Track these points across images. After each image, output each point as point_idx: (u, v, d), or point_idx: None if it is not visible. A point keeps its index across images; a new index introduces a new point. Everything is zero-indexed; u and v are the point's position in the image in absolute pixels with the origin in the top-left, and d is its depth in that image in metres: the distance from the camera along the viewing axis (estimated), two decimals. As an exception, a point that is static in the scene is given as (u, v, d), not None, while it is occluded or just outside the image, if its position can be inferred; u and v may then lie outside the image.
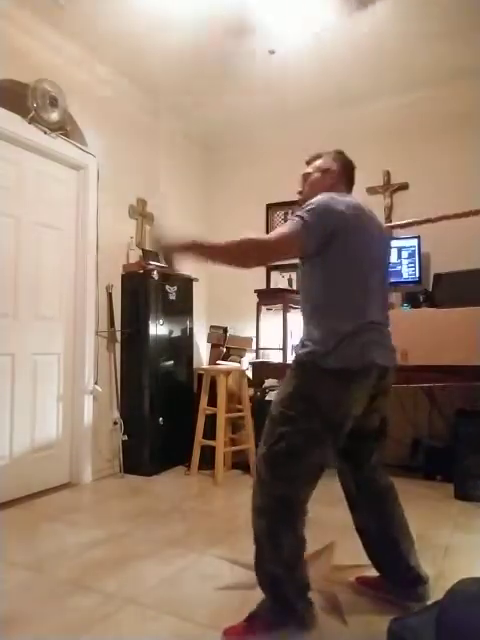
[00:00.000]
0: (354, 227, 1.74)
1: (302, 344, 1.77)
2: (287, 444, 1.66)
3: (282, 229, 1.70)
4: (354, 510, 2.00)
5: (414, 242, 3.88)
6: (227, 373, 3.81)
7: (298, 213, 1.71)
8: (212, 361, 4.24)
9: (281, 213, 4.70)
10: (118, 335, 3.89)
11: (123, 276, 3.96)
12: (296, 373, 1.74)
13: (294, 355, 1.82)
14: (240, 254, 1.72)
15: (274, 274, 4.72)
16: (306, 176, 2.03)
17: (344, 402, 1.68)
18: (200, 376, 4.08)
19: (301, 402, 1.68)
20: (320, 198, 1.73)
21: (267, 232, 4.77)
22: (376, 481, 1.96)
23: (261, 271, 4.72)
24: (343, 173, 1.98)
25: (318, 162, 2.00)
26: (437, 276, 3.74)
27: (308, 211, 1.69)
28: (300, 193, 2.05)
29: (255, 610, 1.72)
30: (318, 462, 1.71)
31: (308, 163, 2.05)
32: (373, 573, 2.01)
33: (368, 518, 1.95)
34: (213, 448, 3.69)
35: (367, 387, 1.71)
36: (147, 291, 3.86)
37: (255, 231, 1.80)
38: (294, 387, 1.71)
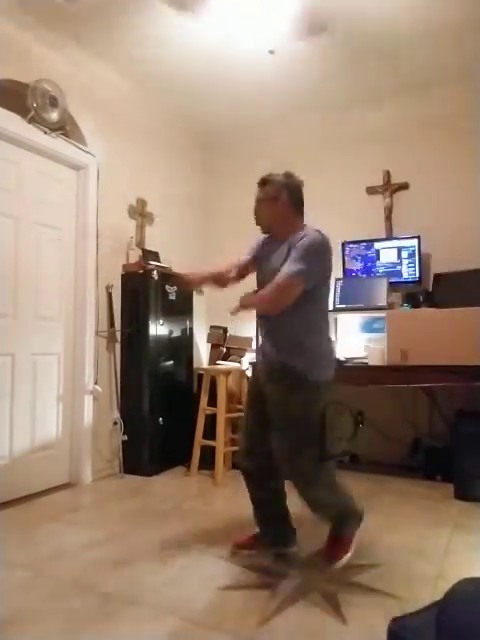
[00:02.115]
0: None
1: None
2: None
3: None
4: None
5: (414, 242, 3.88)
6: (227, 373, 3.81)
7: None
8: (212, 361, 4.24)
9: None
10: (118, 335, 3.89)
11: (123, 276, 3.95)
12: None
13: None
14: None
15: (274, 274, 4.71)
16: (259, 202, 2.25)
17: None
18: (200, 376, 4.08)
19: None
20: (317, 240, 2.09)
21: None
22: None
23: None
24: (290, 200, 2.19)
25: (268, 188, 2.21)
26: (437, 276, 3.75)
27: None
28: (256, 216, 2.29)
29: (332, 532, 2.23)
30: None
31: (260, 186, 2.25)
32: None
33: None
34: (213, 448, 3.69)
35: None
36: (147, 291, 3.86)
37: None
38: None
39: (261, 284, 2.27)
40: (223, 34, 3.34)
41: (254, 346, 4.24)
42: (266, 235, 2.35)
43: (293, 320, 2.10)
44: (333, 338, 3.94)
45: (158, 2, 3.05)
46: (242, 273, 2.47)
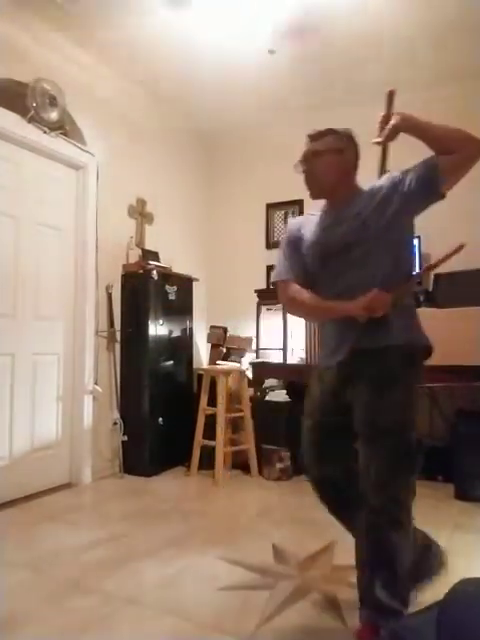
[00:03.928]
0: None
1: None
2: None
3: None
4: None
5: (414, 242, 3.87)
6: (227, 373, 3.81)
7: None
8: (212, 361, 4.23)
9: (281, 213, 4.69)
10: (118, 335, 3.89)
11: (123, 276, 3.95)
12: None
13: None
14: None
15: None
16: (315, 154, 1.78)
17: None
18: (200, 376, 4.08)
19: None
20: None
21: (267, 232, 4.78)
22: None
23: (261, 271, 4.72)
24: (356, 157, 1.82)
25: (330, 139, 1.79)
26: (437, 276, 3.74)
27: None
28: (310, 174, 1.80)
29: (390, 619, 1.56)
30: None
31: (314, 139, 1.81)
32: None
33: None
34: (213, 448, 3.69)
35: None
36: (147, 291, 3.86)
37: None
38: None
39: (333, 277, 1.76)
40: (223, 34, 3.34)
41: (254, 346, 4.24)
42: (296, 221, 1.97)
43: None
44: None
45: (157, 1, 3.05)
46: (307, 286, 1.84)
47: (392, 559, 1.62)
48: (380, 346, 1.67)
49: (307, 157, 1.81)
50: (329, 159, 1.77)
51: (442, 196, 1.73)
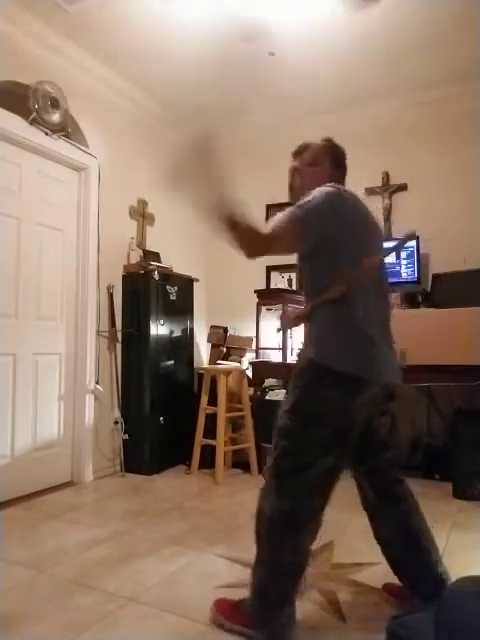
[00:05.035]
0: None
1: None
2: None
3: None
4: (374, 519, 1.90)
5: (413, 242, 3.89)
6: (227, 373, 3.83)
7: None
8: (212, 361, 4.25)
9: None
10: (119, 335, 3.91)
11: (124, 276, 3.97)
12: None
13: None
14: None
15: (274, 274, 4.74)
16: (294, 171, 1.91)
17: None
18: (200, 376, 4.10)
19: None
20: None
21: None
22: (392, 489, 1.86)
23: (261, 271, 4.74)
24: (334, 165, 1.88)
25: (306, 156, 1.88)
26: (435, 276, 3.76)
27: None
28: (291, 189, 1.91)
29: (245, 599, 1.72)
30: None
31: (295, 156, 1.93)
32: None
33: (390, 528, 1.85)
34: (213, 447, 3.71)
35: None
36: (148, 291, 3.88)
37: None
38: None
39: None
40: (224, 36, 3.36)
41: (254, 346, 4.26)
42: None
43: None
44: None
45: (158, 3, 3.06)
46: None
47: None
48: (299, 359, 1.76)
49: (290, 174, 1.94)
50: (306, 174, 1.86)
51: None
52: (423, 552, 1.78)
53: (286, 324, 1.81)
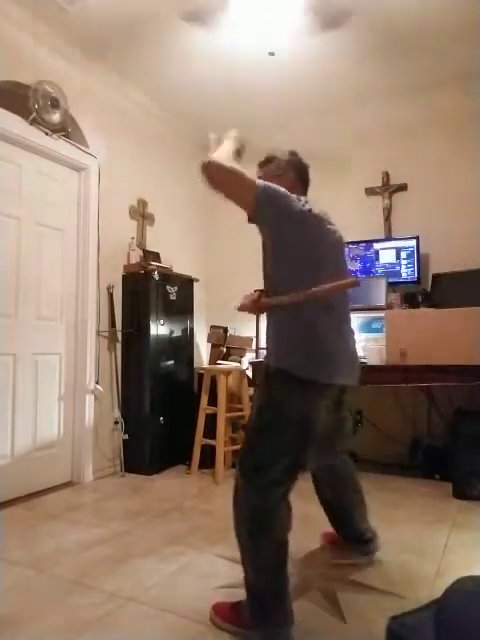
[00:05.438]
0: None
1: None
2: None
3: None
4: (317, 487, 2.28)
5: (413, 243, 3.90)
6: (227, 373, 3.83)
7: None
8: (212, 361, 4.25)
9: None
10: (119, 335, 3.91)
11: (124, 276, 3.98)
12: None
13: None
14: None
15: (274, 274, 4.73)
16: None
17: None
18: (200, 376, 4.10)
19: None
20: None
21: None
22: (336, 466, 2.22)
23: (261, 271, 4.74)
24: (298, 178, 1.97)
25: (270, 167, 1.97)
26: (436, 276, 3.77)
27: None
28: None
29: (243, 601, 1.75)
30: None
31: (260, 166, 2.02)
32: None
33: (328, 494, 2.26)
34: (213, 447, 3.71)
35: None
36: (148, 291, 3.88)
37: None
38: None
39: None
40: (223, 36, 3.36)
41: (254, 346, 4.26)
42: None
43: None
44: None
45: (158, 3, 3.07)
46: None
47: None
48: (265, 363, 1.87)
49: None
50: None
51: (250, 220, 1.80)
52: (352, 513, 2.24)
53: (246, 308, 1.95)
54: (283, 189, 1.73)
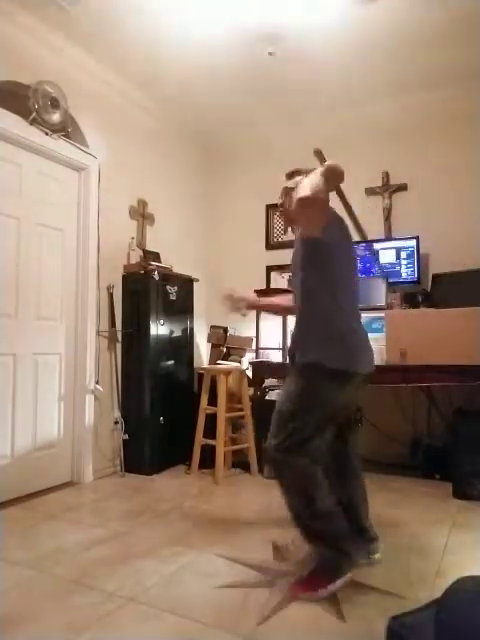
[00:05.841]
0: None
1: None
2: None
3: None
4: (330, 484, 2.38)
5: (413, 243, 3.90)
6: (227, 373, 3.83)
7: None
8: (212, 361, 4.25)
9: (281, 213, 4.71)
10: (119, 335, 3.91)
11: (124, 276, 3.97)
12: None
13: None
14: None
15: (274, 274, 4.74)
16: (287, 192, 2.17)
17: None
18: (200, 376, 4.10)
19: None
20: None
21: (267, 233, 4.80)
22: (350, 462, 2.34)
23: (261, 271, 4.75)
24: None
25: (297, 179, 2.13)
26: (435, 276, 3.77)
27: None
28: (281, 206, 2.24)
29: (314, 567, 2.01)
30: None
31: (288, 177, 2.17)
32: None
33: (338, 491, 2.25)
34: (213, 447, 3.71)
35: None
36: (148, 291, 3.88)
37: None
38: None
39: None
40: (223, 35, 3.36)
41: (254, 346, 4.26)
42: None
43: None
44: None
45: (158, 3, 3.07)
46: None
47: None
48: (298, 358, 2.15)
49: (282, 194, 2.25)
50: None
51: (309, 238, 2.10)
52: (358, 508, 2.30)
53: (236, 308, 2.42)
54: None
